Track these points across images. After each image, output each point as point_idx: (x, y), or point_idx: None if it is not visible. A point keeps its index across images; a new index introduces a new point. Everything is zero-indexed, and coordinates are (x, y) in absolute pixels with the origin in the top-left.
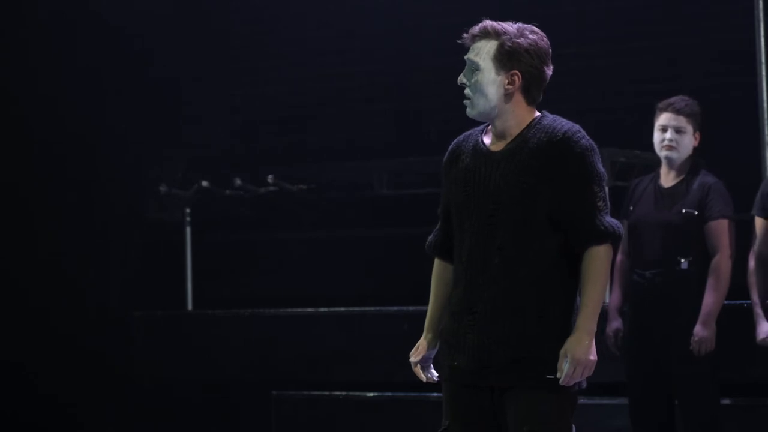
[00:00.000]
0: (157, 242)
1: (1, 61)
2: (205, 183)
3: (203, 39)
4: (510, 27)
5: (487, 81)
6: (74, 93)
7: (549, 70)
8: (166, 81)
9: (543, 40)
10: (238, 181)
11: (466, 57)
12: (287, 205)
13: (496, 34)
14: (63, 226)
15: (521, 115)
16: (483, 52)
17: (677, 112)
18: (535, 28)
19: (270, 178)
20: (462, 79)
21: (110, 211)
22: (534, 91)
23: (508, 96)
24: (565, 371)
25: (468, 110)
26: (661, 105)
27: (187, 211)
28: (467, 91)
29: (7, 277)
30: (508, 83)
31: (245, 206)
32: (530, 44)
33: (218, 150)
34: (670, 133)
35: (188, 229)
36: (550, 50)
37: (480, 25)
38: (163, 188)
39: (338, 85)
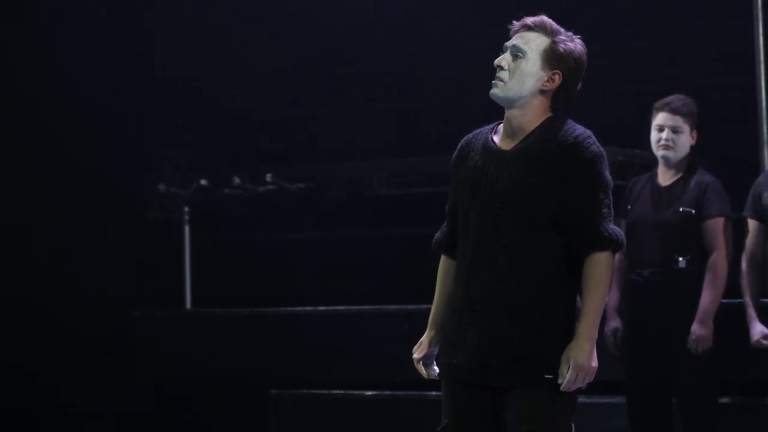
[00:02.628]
0: (156, 241)
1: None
2: (204, 182)
3: (203, 39)
4: (564, 30)
5: (529, 71)
6: (74, 92)
7: (579, 86)
8: (166, 81)
9: (586, 56)
10: (237, 180)
11: (511, 43)
12: (286, 204)
13: (551, 32)
14: (63, 226)
15: (539, 115)
16: (533, 44)
17: (674, 111)
18: (583, 43)
19: (269, 177)
20: (501, 61)
21: (109, 210)
22: (563, 97)
23: (541, 93)
24: (567, 378)
25: (494, 90)
26: (657, 104)
27: (186, 209)
28: (503, 73)
29: (7, 276)
30: (547, 81)
31: (244, 205)
32: (579, 54)
33: (217, 149)
34: (667, 133)
35: (187, 228)
36: None
37: (537, 17)
38: (162, 187)
39: (338, 85)
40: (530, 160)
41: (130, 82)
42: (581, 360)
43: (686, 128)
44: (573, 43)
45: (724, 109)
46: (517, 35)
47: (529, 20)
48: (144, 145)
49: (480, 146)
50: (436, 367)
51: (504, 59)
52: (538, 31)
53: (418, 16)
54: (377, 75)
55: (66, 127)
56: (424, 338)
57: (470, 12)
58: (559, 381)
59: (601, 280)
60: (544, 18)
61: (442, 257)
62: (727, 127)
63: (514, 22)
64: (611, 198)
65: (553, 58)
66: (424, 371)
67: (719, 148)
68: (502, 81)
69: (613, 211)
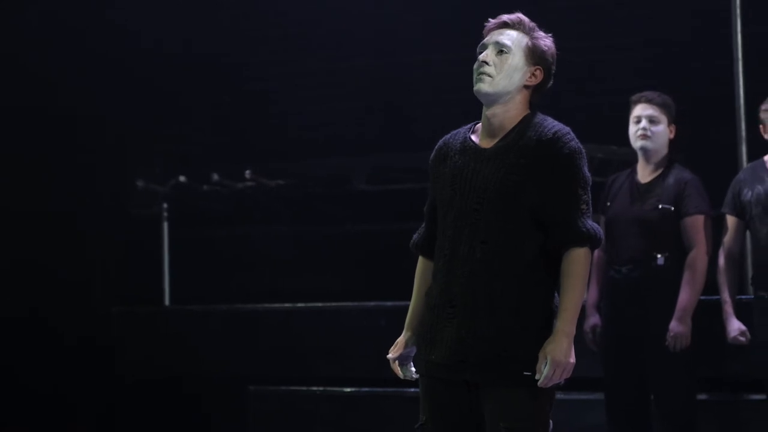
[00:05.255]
0: (134, 238)
1: None
2: (182, 178)
3: (187, 36)
4: (537, 28)
5: (516, 66)
6: (54, 89)
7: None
8: (145, 79)
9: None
10: (216, 177)
11: (493, 39)
12: (265, 200)
13: (529, 29)
14: (42, 223)
15: (520, 112)
16: (515, 41)
17: (650, 102)
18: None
19: (247, 174)
20: (486, 57)
21: (88, 206)
22: (540, 92)
23: (524, 88)
24: (544, 373)
25: (481, 85)
26: (634, 98)
27: (165, 206)
28: (489, 68)
29: None
30: (530, 76)
31: (223, 202)
32: (554, 51)
33: (196, 145)
34: (645, 123)
35: (166, 225)
36: None
37: (514, 15)
38: (140, 183)
39: (319, 81)
40: (511, 158)
41: (110, 80)
42: (558, 356)
43: (664, 119)
44: (549, 40)
45: (704, 105)
46: (495, 32)
47: (506, 18)
48: (122, 141)
49: (458, 146)
50: (412, 368)
51: (488, 55)
52: (517, 29)
53: (402, 11)
54: (358, 70)
55: (45, 122)
56: (401, 339)
57: (453, 8)
58: (537, 377)
59: (579, 276)
60: (521, 15)
61: (420, 258)
62: (705, 125)
63: (490, 20)
64: (590, 194)
65: (535, 54)
66: (399, 371)
67: (698, 146)
68: (489, 76)
69: (591, 208)
